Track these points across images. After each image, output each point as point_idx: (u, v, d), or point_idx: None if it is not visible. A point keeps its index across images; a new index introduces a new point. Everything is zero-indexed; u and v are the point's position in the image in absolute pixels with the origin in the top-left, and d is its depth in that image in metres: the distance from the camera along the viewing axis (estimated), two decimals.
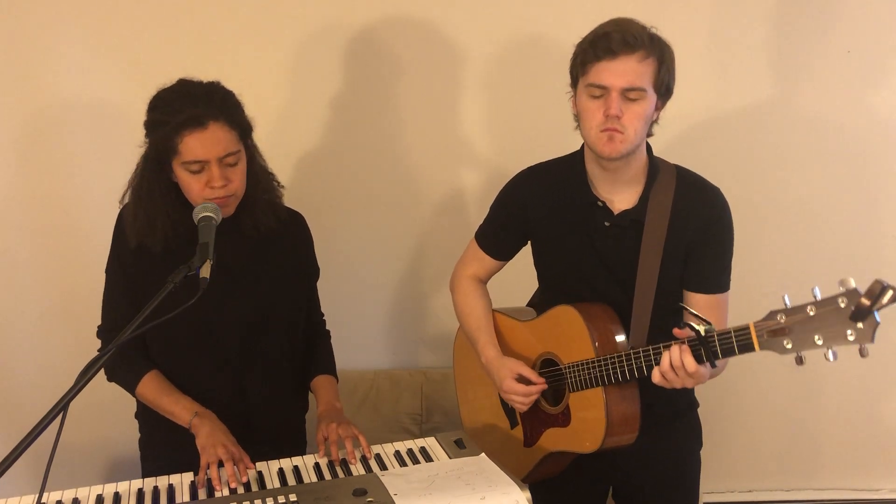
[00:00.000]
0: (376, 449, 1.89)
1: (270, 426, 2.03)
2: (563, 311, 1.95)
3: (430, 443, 1.91)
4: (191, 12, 2.60)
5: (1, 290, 2.72)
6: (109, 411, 2.42)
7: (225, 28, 2.62)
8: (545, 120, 2.58)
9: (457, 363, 2.33)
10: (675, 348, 1.69)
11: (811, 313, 1.46)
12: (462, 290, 2.16)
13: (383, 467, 1.81)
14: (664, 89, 1.80)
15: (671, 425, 2.02)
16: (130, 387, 1.98)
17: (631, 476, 2.05)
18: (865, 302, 1.39)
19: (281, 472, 1.80)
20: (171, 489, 1.75)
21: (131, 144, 1.91)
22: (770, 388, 2.93)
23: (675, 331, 1.68)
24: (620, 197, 1.90)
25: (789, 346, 1.50)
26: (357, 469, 1.81)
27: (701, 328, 1.63)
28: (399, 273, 2.93)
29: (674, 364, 1.68)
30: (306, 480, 1.76)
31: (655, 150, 1.94)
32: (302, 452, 1.96)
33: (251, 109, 1.92)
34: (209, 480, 1.75)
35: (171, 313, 1.44)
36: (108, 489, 1.75)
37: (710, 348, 1.63)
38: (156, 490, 1.74)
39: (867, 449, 2.99)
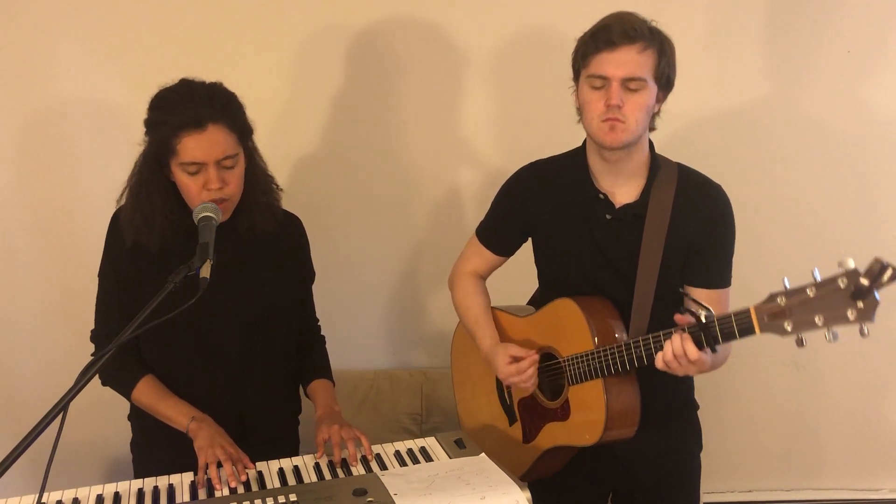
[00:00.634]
0: (376, 449, 1.89)
1: (266, 429, 2.02)
2: (561, 303, 1.95)
3: (430, 443, 1.91)
4: (191, 12, 2.60)
5: (1, 290, 2.72)
6: (109, 411, 2.41)
7: (225, 29, 2.62)
8: (545, 120, 2.58)
9: (454, 362, 2.33)
10: (676, 337, 1.69)
11: (811, 294, 1.47)
12: (461, 285, 2.17)
13: (383, 467, 1.81)
14: (665, 81, 1.82)
15: (671, 426, 2.02)
16: (126, 391, 1.97)
17: (631, 478, 2.05)
18: (865, 281, 1.40)
19: (281, 472, 1.80)
20: (171, 489, 1.75)
21: (131, 144, 1.91)
22: (771, 387, 2.94)
23: (677, 317, 1.69)
24: (622, 190, 1.90)
25: (790, 327, 1.51)
26: (357, 469, 1.81)
27: (701, 314, 1.64)
28: (399, 273, 2.93)
29: (675, 353, 1.69)
30: (306, 480, 1.76)
31: (655, 147, 1.94)
32: (295, 454, 1.96)
33: (251, 110, 1.92)
34: (209, 480, 1.75)
35: (171, 314, 1.43)
36: (108, 489, 1.75)
37: (711, 333, 1.64)
38: (156, 490, 1.74)
39: (868, 449, 2.99)
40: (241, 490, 1.73)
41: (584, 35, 1.84)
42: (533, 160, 2.06)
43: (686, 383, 2.05)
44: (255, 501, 1.62)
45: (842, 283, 1.43)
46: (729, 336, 1.62)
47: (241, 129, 1.86)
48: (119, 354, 1.91)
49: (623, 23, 1.77)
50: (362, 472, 1.79)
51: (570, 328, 1.91)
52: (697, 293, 1.88)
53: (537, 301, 2.15)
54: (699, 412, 2.09)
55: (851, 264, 1.43)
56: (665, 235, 1.87)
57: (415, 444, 1.91)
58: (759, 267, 2.68)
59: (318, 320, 2.21)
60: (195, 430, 1.86)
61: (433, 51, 2.70)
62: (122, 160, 1.94)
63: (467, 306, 2.15)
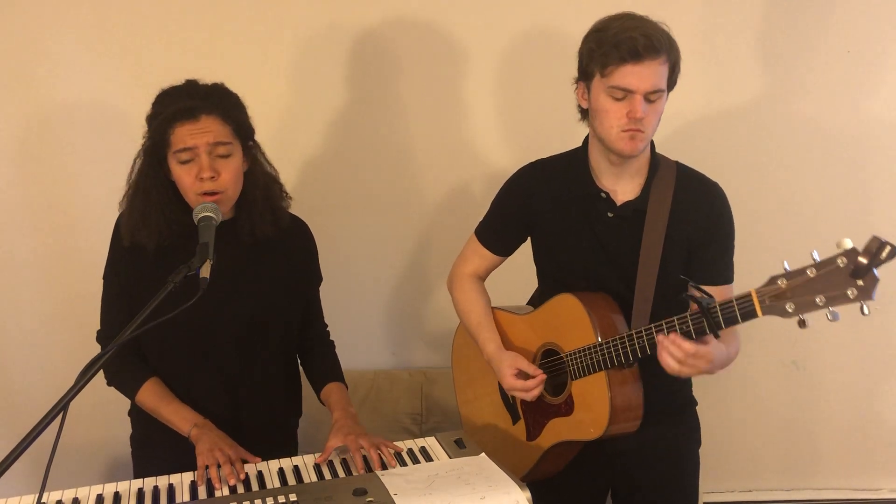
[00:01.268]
0: None
1: (263, 431, 2.02)
2: (562, 299, 1.95)
3: (430, 443, 1.91)
4: (192, 15, 2.60)
5: (1, 290, 2.72)
6: (109, 411, 2.41)
7: (227, 31, 2.62)
8: (546, 121, 2.58)
9: (456, 364, 2.33)
10: (664, 339, 1.69)
11: (811, 275, 1.49)
12: (462, 287, 2.17)
13: (383, 467, 1.81)
14: (672, 84, 1.84)
15: (670, 423, 2.02)
16: (131, 393, 1.98)
17: (630, 475, 2.05)
18: (864, 259, 1.42)
19: (281, 471, 1.80)
20: (171, 489, 1.75)
21: (132, 145, 1.91)
22: (770, 387, 2.94)
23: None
24: (623, 188, 1.91)
25: (791, 309, 1.52)
26: (357, 469, 1.81)
27: (703, 301, 1.64)
28: (399, 273, 2.93)
29: (673, 352, 1.68)
30: (306, 480, 1.76)
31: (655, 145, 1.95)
32: (294, 455, 1.95)
33: (254, 111, 1.93)
34: (209, 480, 1.75)
35: (171, 314, 1.43)
36: (108, 489, 1.75)
37: (714, 319, 1.64)
38: (156, 490, 1.74)
39: (867, 449, 2.99)
40: (241, 490, 1.73)
41: (603, 40, 1.77)
42: (534, 160, 2.06)
43: (685, 380, 2.06)
44: (255, 501, 1.62)
45: (841, 263, 1.45)
46: (731, 321, 1.62)
47: (238, 124, 1.87)
48: (124, 356, 1.95)
49: (647, 34, 1.73)
50: (363, 471, 1.80)
51: (572, 323, 1.92)
52: None
53: (537, 301, 2.15)
54: (698, 408, 2.09)
55: (849, 244, 1.44)
56: (665, 231, 1.87)
57: (415, 444, 1.91)
58: (756, 265, 2.68)
59: (326, 325, 2.22)
60: (197, 437, 1.86)
61: (435, 52, 2.70)
62: (123, 162, 1.94)
63: (468, 309, 2.15)
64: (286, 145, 2.65)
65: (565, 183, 1.97)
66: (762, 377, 2.89)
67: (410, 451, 1.88)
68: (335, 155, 2.78)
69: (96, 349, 1.98)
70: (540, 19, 2.67)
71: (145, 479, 1.79)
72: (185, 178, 1.81)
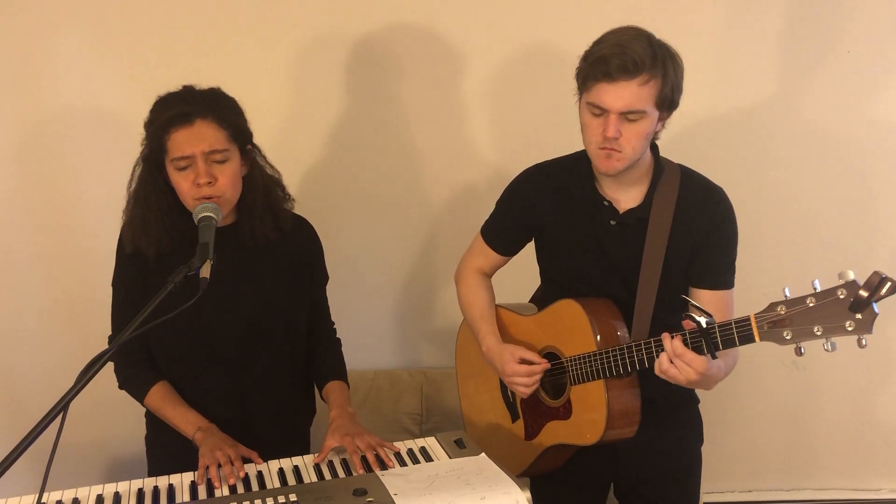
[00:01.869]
0: None
1: (272, 432, 2.02)
2: (565, 304, 1.95)
3: (430, 443, 1.91)
4: (193, 18, 2.60)
5: (1, 290, 2.72)
6: (110, 411, 2.42)
7: (227, 34, 2.62)
8: (548, 122, 2.57)
9: (459, 358, 2.34)
10: (667, 339, 1.69)
11: (811, 304, 1.49)
12: (466, 281, 2.18)
13: (383, 467, 1.81)
14: (667, 105, 1.78)
15: (672, 420, 2.03)
16: (140, 397, 1.99)
17: (632, 471, 2.05)
18: (864, 293, 1.41)
19: (281, 471, 1.80)
20: (171, 489, 1.75)
21: (131, 147, 1.92)
22: (770, 388, 2.94)
23: (684, 322, 1.69)
24: (626, 196, 1.91)
25: (789, 336, 1.52)
26: (357, 469, 1.81)
27: (702, 320, 1.64)
28: (400, 273, 2.93)
29: (674, 353, 1.68)
30: (306, 480, 1.76)
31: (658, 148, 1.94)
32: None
33: (256, 114, 1.93)
34: (209, 480, 1.75)
35: (171, 314, 1.43)
36: (109, 489, 1.75)
37: (711, 339, 1.64)
38: (156, 490, 1.74)
39: (867, 448, 2.99)
40: (241, 490, 1.73)
41: (588, 55, 1.77)
42: (537, 162, 2.07)
43: None
44: (255, 501, 1.62)
45: (841, 294, 1.45)
46: (729, 343, 1.63)
47: (234, 128, 1.87)
48: (134, 360, 1.97)
49: (622, 54, 1.69)
50: (362, 471, 1.79)
51: (574, 329, 1.92)
52: (702, 295, 1.89)
53: (539, 299, 2.16)
54: (699, 406, 2.09)
55: (851, 276, 1.44)
56: (667, 238, 1.87)
57: (415, 444, 1.91)
58: (759, 268, 2.69)
59: (333, 323, 2.21)
60: (200, 440, 1.87)
61: (436, 53, 2.70)
62: (123, 164, 1.95)
63: (471, 303, 2.15)
64: (289, 147, 2.65)
65: (568, 188, 1.97)
66: (762, 378, 2.89)
67: (410, 451, 1.88)
68: (338, 156, 2.78)
69: (96, 349, 1.98)
70: (542, 23, 2.67)
71: (145, 479, 1.79)
72: (183, 183, 1.82)
